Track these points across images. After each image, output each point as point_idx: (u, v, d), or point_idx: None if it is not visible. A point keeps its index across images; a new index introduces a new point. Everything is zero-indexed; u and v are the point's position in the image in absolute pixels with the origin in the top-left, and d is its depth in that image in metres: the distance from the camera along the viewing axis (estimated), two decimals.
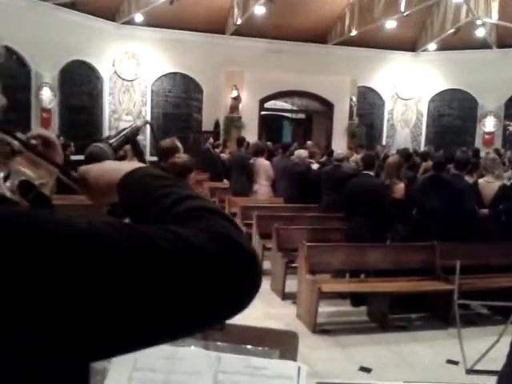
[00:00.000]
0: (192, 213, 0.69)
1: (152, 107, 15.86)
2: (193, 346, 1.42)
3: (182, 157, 3.50)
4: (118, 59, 15.24)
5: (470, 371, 2.12)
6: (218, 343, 1.40)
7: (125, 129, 1.16)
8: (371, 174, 5.57)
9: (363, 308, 5.29)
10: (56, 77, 13.35)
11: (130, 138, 1.14)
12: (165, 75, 15.90)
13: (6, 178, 0.85)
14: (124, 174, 0.83)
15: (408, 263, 5.27)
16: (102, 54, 14.62)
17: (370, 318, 5.16)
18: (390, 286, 5.06)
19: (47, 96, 13.09)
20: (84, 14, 13.58)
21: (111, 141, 1.08)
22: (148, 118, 15.74)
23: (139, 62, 15.49)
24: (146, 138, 14.88)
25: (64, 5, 12.94)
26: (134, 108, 15.67)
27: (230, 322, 1.48)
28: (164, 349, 1.41)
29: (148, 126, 1.38)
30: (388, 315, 5.05)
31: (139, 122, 1.21)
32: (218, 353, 1.41)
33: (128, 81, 15.50)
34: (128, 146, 1.24)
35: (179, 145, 3.85)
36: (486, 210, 5.53)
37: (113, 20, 14.78)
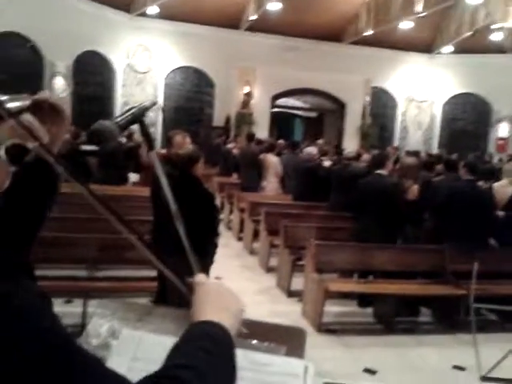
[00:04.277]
0: None
1: (164, 100, 15.81)
2: None
3: (187, 148, 3.45)
4: (132, 51, 15.22)
5: (485, 378, 2.04)
6: None
7: (133, 107, 1.11)
8: (383, 173, 5.46)
9: (370, 309, 5.21)
10: (69, 66, 13.35)
11: (138, 118, 1.09)
12: (178, 68, 15.86)
13: None
14: (206, 321, 0.85)
15: (417, 266, 5.17)
16: (115, 45, 14.60)
17: (377, 319, 5.07)
18: (398, 288, 4.97)
19: (60, 85, 13.11)
20: (99, 4, 13.57)
21: (118, 119, 1.03)
22: (160, 111, 15.71)
23: (152, 54, 15.47)
24: (156, 131, 14.87)
25: None
26: (147, 100, 15.65)
27: None
28: (167, 340, 1.35)
29: (160, 114, 1.33)
30: (395, 318, 4.96)
31: (147, 103, 1.16)
32: None
33: (141, 73, 15.48)
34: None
35: (180, 137, 3.77)
36: (501, 213, 5.42)
37: (127, 11, 14.75)
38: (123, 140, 9.37)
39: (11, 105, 0.88)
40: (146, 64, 15.47)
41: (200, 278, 0.93)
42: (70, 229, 4.87)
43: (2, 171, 0.80)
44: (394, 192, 5.28)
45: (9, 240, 0.98)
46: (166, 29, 15.16)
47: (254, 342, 1.38)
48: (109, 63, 14.73)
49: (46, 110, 0.97)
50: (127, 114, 1.07)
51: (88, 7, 13.31)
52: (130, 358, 1.33)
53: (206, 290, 0.90)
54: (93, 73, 14.31)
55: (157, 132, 14.87)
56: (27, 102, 0.92)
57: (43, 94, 0.98)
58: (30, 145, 0.82)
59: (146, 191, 5.84)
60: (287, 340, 1.40)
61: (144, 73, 15.50)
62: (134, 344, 1.37)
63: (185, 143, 3.70)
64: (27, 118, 0.89)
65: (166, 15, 14.68)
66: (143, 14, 14.74)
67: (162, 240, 3.34)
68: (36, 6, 11.77)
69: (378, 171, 5.44)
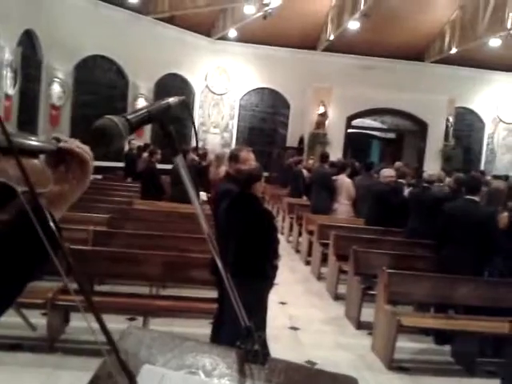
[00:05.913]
0: None
1: (239, 121, 16.03)
2: (226, 381, 1.16)
3: (250, 164, 3.31)
4: (210, 73, 15.63)
5: None
6: (257, 381, 1.13)
7: (152, 104, 0.95)
8: (476, 199, 4.95)
9: (448, 347, 4.71)
10: (151, 88, 13.95)
11: (155, 117, 0.91)
12: (254, 90, 16.05)
13: None
14: None
15: (505, 301, 4.62)
16: (195, 68, 15.07)
17: (456, 359, 4.59)
18: (482, 325, 4.46)
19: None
20: (181, 29, 14.11)
21: (130, 116, 0.86)
22: (234, 131, 15.92)
23: (230, 76, 15.78)
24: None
25: (163, 19, 13.53)
26: (222, 121, 15.92)
27: (285, 349, 1.19)
28: (192, 379, 1.18)
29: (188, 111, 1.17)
30: (476, 358, 4.44)
31: (171, 100, 0.98)
32: None
33: (218, 95, 15.82)
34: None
35: (245, 152, 3.64)
36: None
37: (208, 35, 15.21)
38: (196, 158, 9.51)
39: (27, 142, 0.79)
40: (223, 86, 15.80)
41: None
42: (136, 245, 4.89)
43: None
44: (491, 222, 4.76)
45: None
46: (244, 51, 15.44)
47: None
48: (188, 85, 15.21)
49: (71, 162, 0.87)
50: (142, 111, 0.90)
51: (171, 32, 13.88)
52: None
53: None
54: (173, 95, 14.73)
55: None
56: (51, 146, 0.84)
57: (71, 144, 0.87)
58: (19, 188, 0.72)
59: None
60: None
61: (221, 94, 15.83)
62: (156, 382, 1.21)
63: (249, 159, 3.57)
64: (36, 161, 0.79)
65: (245, 38, 14.96)
66: (222, 38, 15.12)
67: (222, 259, 3.22)
68: (121, 30, 12.45)
69: (470, 197, 4.94)
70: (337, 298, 5.96)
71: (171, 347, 1.23)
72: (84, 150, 0.87)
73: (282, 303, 5.51)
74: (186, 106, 1.06)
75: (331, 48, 15.08)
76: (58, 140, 0.86)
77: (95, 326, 0.74)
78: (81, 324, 4.31)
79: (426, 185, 6.43)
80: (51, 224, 0.74)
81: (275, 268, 3.31)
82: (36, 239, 0.75)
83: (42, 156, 0.84)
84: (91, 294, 4.86)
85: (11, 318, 3.76)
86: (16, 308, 3.76)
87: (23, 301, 3.60)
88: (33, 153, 0.79)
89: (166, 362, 1.19)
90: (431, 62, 15.73)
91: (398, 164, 10.12)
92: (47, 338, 3.95)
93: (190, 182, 0.98)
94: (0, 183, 0.70)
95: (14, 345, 3.89)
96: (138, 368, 1.19)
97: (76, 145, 0.87)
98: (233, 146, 15.23)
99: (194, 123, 1.20)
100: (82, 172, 0.88)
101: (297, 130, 15.59)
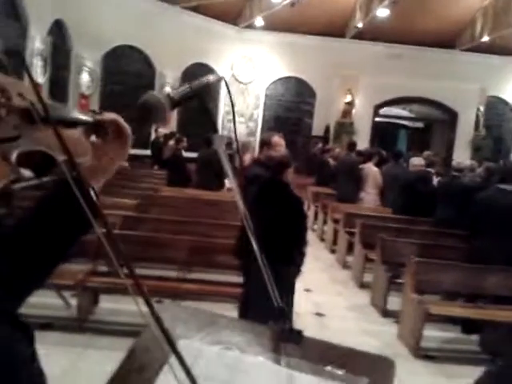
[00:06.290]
0: None
1: (264, 110, 15.97)
2: (261, 357, 1.17)
3: (280, 151, 3.32)
4: (237, 62, 15.58)
5: None
6: (292, 359, 1.13)
7: (193, 81, 0.97)
8: (509, 188, 4.83)
9: (475, 336, 4.66)
10: (178, 78, 13.99)
11: (197, 93, 0.94)
12: (279, 79, 15.94)
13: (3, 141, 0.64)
14: None
15: None
16: (221, 56, 15.04)
17: (483, 348, 4.53)
18: (510, 315, 4.38)
19: None
20: (208, 17, 14.09)
21: (172, 93, 0.88)
22: (259, 120, 15.87)
23: (256, 65, 15.71)
24: (256, 140, 15.02)
25: (189, 8, 13.53)
26: (248, 110, 15.89)
27: (310, 334, 1.20)
28: (227, 355, 1.19)
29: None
30: (503, 347, 4.38)
31: (211, 77, 1.00)
32: (291, 370, 1.14)
33: (244, 84, 15.77)
34: None
35: (277, 137, 3.67)
36: None
37: (234, 24, 15.15)
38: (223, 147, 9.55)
39: (65, 112, 0.80)
40: (249, 75, 15.74)
41: None
42: (163, 230, 4.96)
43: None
44: None
45: (7, 275, 0.80)
46: (271, 40, 15.32)
47: (330, 368, 1.16)
48: (215, 74, 15.18)
49: (109, 133, 0.88)
50: (185, 87, 0.92)
51: (198, 21, 13.88)
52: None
53: None
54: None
55: (256, 141, 15.03)
56: (89, 118, 0.84)
57: (110, 116, 0.88)
58: (59, 157, 0.72)
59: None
60: (370, 371, 1.17)
61: (247, 83, 15.78)
62: (192, 357, 1.22)
63: (281, 144, 3.61)
64: (74, 131, 0.80)
65: (272, 26, 14.84)
66: (250, 26, 15.04)
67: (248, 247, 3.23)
68: (148, 20, 12.50)
69: (503, 186, 4.83)
70: (362, 286, 5.94)
71: (207, 323, 1.24)
72: (124, 123, 0.88)
73: (308, 290, 5.52)
74: (225, 84, 1.07)
75: (359, 35, 14.84)
76: (95, 113, 0.88)
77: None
78: (109, 305, 4.41)
79: (455, 174, 6.32)
80: (92, 193, 0.75)
81: (303, 255, 3.32)
82: (75, 210, 0.75)
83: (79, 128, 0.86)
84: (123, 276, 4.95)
85: (42, 298, 3.87)
86: (54, 287, 3.86)
87: (54, 282, 3.70)
88: (71, 124, 0.80)
89: (201, 338, 1.20)
90: (462, 50, 15.34)
91: (426, 153, 9.95)
92: (77, 319, 4.06)
93: (226, 159, 1.00)
94: (40, 152, 0.71)
95: (45, 324, 3.99)
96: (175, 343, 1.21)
97: (115, 117, 0.88)
98: (258, 135, 15.22)
99: (233, 105, 1.21)
100: (118, 145, 0.89)
101: (323, 118, 15.44)
